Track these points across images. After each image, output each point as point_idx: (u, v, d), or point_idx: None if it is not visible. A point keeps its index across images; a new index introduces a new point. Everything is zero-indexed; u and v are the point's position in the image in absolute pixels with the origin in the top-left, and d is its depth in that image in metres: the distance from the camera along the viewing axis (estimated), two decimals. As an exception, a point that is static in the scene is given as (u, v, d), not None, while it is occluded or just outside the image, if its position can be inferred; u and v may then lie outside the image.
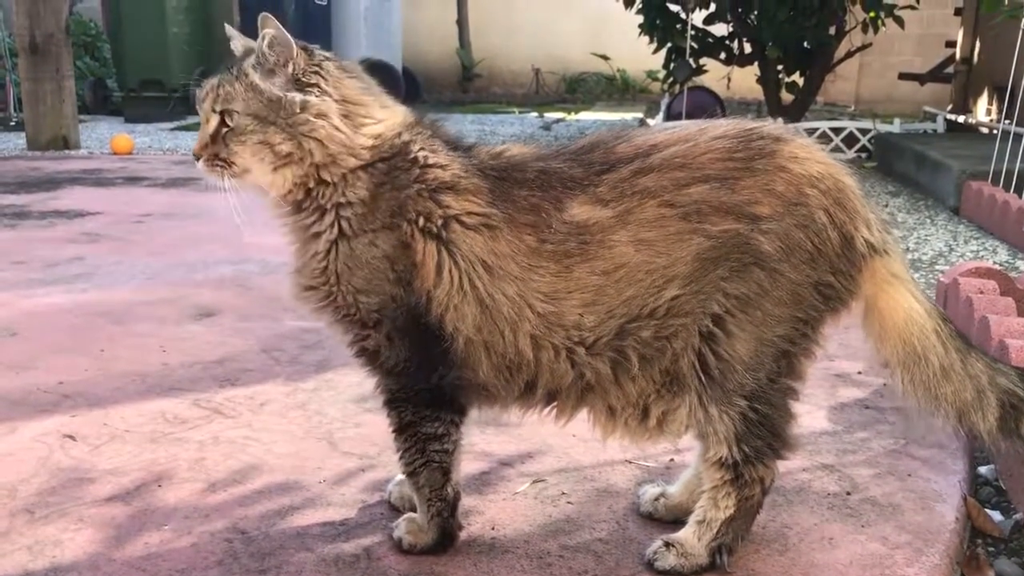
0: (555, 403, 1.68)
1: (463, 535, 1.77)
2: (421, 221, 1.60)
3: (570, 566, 1.71)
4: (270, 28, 1.59)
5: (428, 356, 1.62)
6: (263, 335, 2.97)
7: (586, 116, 13.22)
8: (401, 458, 1.73)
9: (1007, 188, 4.91)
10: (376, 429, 1.76)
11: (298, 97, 1.61)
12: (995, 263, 4.19)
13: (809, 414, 2.37)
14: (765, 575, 1.69)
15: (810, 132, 7.87)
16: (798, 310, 1.59)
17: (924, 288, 3.78)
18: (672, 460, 2.12)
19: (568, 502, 1.94)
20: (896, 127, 7.91)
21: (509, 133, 10.39)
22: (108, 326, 3.06)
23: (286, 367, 2.69)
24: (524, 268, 1.58)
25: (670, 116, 8.60)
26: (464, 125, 11.32)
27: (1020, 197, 4.75)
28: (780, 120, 7.84)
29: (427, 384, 1.65)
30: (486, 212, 1.59)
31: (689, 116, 8.38)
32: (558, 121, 12.16)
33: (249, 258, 3.88)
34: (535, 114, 13.14)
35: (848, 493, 2.00)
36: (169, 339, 2.92)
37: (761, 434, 1.63)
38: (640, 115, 12.01)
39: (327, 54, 1.68)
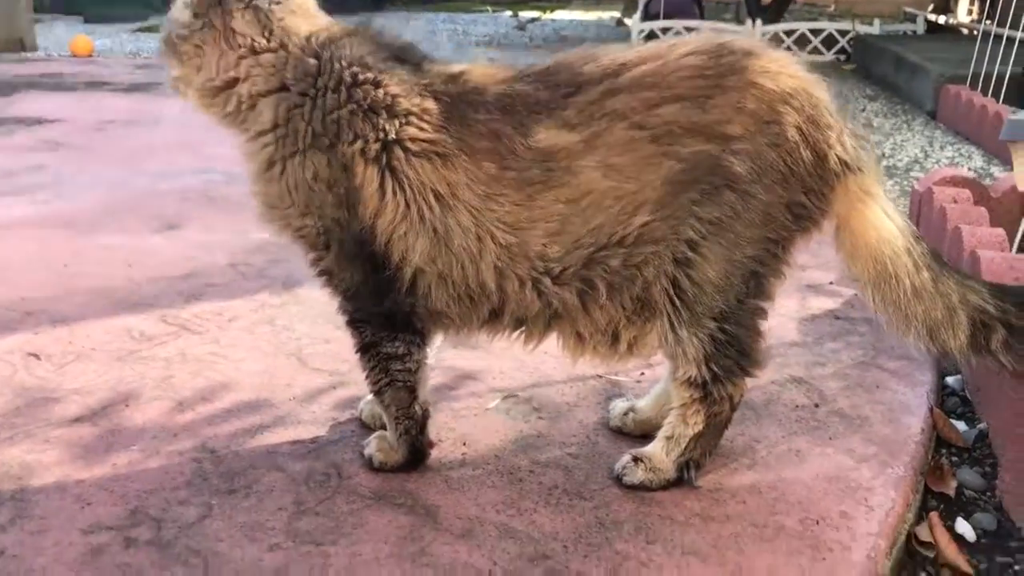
0: (522, 329, 1.66)
1: (434, 452, 1.77)
2: (358, 144, 1.54)
3: (540, 481, 1.71)
4: None
5: (377, 282, 1.59)
6: (229, 248, 2.92)
7: (562, 15, 12.93)
8: (367, 377, 1.71)
9: (985, 92, 4.87)
10: (345, 346, 1.74)
11: (182, 31, 1.63)
12: (970, 169, 4.19)
13: (780, 325, 2.37)
14: (733, 489, 1.70)
15: (788, 33, 7.75)
16: (769, 231, 1.57)
17: (898, 195, 3.78)
18: (643, 374, 2.12)
19: (539, 417, 1.94)
20: (876, 28, 7.79)
21: (482, 33, 10.16)
22: (71, 239, 2.99)
23: (253, 281, 2.66)
24: (482, 197, 1.53)
25: (648, 15, 8.41)
26: (436, 25, 11.05)
27: (998, 102, 4.71)
28: (759, 22, 7.71)
29: (381, 308, 1.62)
30: (433, 138, 1.53)
31: (667, 16, 8.21)
32: (533, 20, 11.90)
33: (213, 168, 3.79)
34: (509, 13, 12.84)
35: (816, 405, 2.01)
36: (134, 253, 2.87)
37: (730, 353, 1.62)
38: (617, 14, 11.76)
39: None
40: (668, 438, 1.70)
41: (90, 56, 7.46)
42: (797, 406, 2.01)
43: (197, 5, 1.61)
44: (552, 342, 1.72)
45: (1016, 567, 1.65)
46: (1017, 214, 2.81)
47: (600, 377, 2.11)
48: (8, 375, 2.08)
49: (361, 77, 1.56)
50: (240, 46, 1.60)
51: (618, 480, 1.70)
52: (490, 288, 1.58)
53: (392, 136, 1.53)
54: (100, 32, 9.27)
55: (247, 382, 2.06)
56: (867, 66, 7.09)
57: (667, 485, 1.69)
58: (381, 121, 1.54)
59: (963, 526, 1.74)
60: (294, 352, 2.21)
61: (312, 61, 1.58)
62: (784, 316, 2.42)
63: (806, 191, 1.56)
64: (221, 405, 1.97)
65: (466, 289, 1.58)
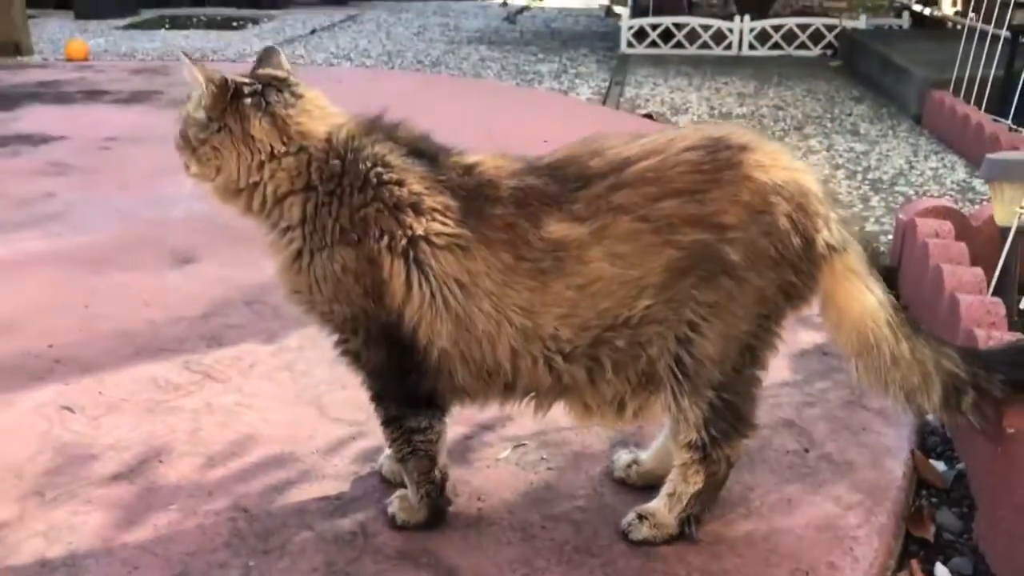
0: (533, 398, 1.79)
1: (451, 508, 1.90)
2: (385, 240, 1.66)
3: (552, 537, 1.85)
4: (186, 74, 1.72)
5: (403, 364, 1.72)
6: (242, 285, 3.03)
7: (551, 3, 12.95)
8: (390, 446, 1.85)
9: (968, 98, 4.99)
10: (361, 393, 1.86)
11: (195, 132, 1.72)
12: (952, 182, 4.33)
13: (772, 364, 2.49)
14: (731, 542, 1.85)
15: (776, 29, 7.84)
16: (762, 309, 1.70)
17: (884, 213, 3.91)
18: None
19: (547, 468, 2.08)
20: (862, 23, 7.89)
21: (473, 28, 10.20)
22: (88, 277, 3.10)
23: (269, 322, 2.78)
24: (500, 285, 1.65)
25: (637, 9, 8.49)
26: (427, 18, 11.09)
27: (980, 109, 4.84)
28: (747, 17, 7.79)
29: (404, 387, 1.75)
30: (456, 232, 1.65)
31: (656, 10, 8.28)
32: (523, 11, 11.94)
33: (222, 193, 3.89)
34: (499, 1, 12.86)
35: (806, 451, 2.15)
36: (151, 291, 2.98)
37: (727, 418, 1.76)
38: (606, 2, 11.80)
39: (252, 89, 1.73)
40: (670, 495, 1.84)
41: (86, 59, 7.51)
42: (788, 451, 2.15)
43: (211, 109, 1.70)
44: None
45: (989, 611, 1.80)
46: (996, 242, 2.95)
47: (603, 423, 2.25)
48: (45, 430, 2.21)
49: (385, 177, 1.68)
50: (260, 151, 1.70)
51: (624, 536, 1.84)
52: (505, 367, 1.71)
53: (419, 232, 1.66)
54: (92, 30, 9.30)
55: (272, 434, 2.19)
56: (854, 63, 7.20)
57: (670, 540, 1.83)
58: (407, 219, 1.66)
59: (941, 570, 1.89)
60: (314, 400, 2.34)
61: (336, 162, 1.70)
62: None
63: (796, 273, 1.70)
64: (250, 459, 2.10)
65: (484, 367, 1.71)
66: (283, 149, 1.71)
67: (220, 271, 3.16)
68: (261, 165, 1.71)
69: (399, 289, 1.67)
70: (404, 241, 1.66)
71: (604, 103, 6.17)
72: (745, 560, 1.79)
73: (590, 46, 8.78)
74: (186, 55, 1.72)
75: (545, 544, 1.83)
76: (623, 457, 2.05)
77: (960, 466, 2.20)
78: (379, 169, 1.69)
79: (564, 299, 1.67)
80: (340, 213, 1.68)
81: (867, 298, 1.76)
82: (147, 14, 10.67)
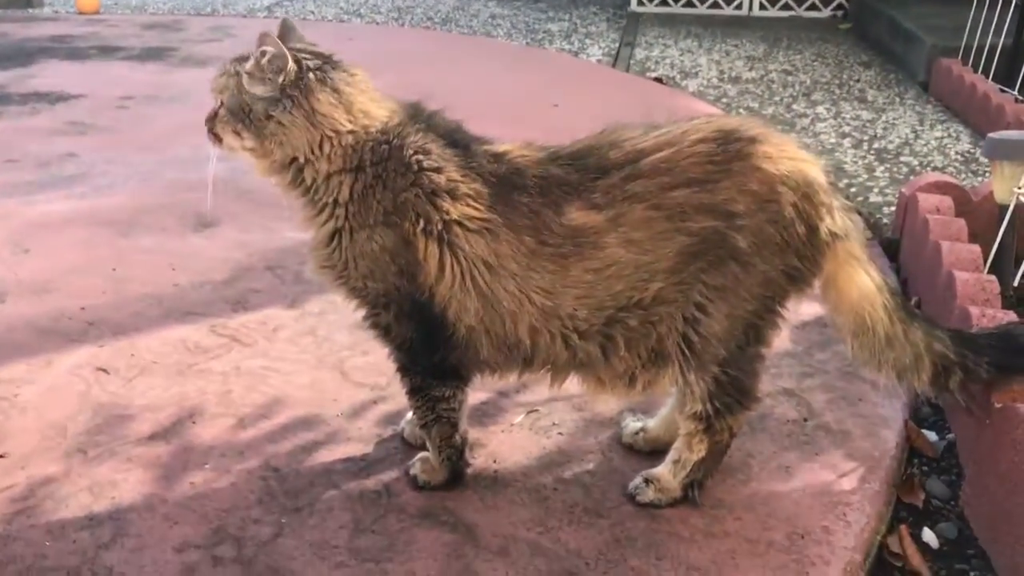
0: (550, 371, 1.91)
1: (469, 470, 2.03)
2: (421, 223, 1.76)
3: (563, 498, 1.98)
4: (270, 47, 1.75)
5: (432, 339, 1.83)
6: (264, 249, 3.14)
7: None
8: (414, 413, 1.96)
9: (976, 67, 5.03)
10: (382, 357, 1.97)
11: (263, 107, 1.77)
12: (957, 153, 4.40)
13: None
14: (731, 505, 1.97)
15: (787, -10, 7.81)
16: (767, 291, 1.81)
17: (888, 183, 3.99)
18: (651, 387, 2.37)
19: (559, 433, 2.20)
20: (873, -16, 7.85)
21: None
22: (115, 239, 3.21)
23: (291, 287, 2.88)
24: (523, 267, 1.76)
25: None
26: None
27: (988, 78, 4.88)
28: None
29: (431, 359, 1.86)
30: (486, 217, 1.76)
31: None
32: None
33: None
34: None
35: (805, 419, 2.27)
36: (176, 255, 3.09)
37: (731, 392, 1.87)
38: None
39: (315, 64, 1.80)
40: (675, 462, 1.96)
41: (97, 12, 7.53)
42: (788, 420, 2.27)
43: (279, 83, 1.76)
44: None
45: (971, 573, 1.93)
46: (996, 218, 3.04)
47: (612, 390, 2.36)
48: (83, 390, 2.33)
49: (426, 164, 1.78)
50: (324, 126, 1.78)
51: (631, 498, 1.97)
52: (526, 343, 1.82)
53: (454, 216, 1.76)
54: (102, -19, 9.28)
55: (298, 397, 2.31)
56: (864, 26, 7.21)
57: (674, 503, 1.96)
58: (444, 204, 1.76)
59: (928, 535, 2.01)
60: (336, 365, 2.46)
61: (385, 147, 1.79)
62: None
63: (800, 258, 1.80)
64: (278, 421, 2.22)
65: (506, 342, 1.82)
66: (348, 128, 1.79)
67: (241, 236, 3.26)
68: (322, 142, 1.79)
69: (432, 269, 1.77)
70: (440, 225, 1.76)
71: (614, 65, 6.21)
72: (744, 523, 1.92)
73: (600, 3, 8.77)
74: (266, 34, 1.77)
75: (557, 505, 1.96)
76: (631, 424, 2.17)
77: (950, 436, 2.32)
78: (420, 156, 1.79)
79: (582, 282, 1.77)
80: (384, 195, 1.78)
81: (865, 283, 1.86)
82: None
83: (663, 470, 1.98)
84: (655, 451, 2.08)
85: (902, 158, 4.36)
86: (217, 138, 1.84)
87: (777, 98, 5.43)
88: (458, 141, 1.84)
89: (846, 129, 4.81)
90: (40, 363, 2.44)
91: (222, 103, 1.82)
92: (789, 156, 1.79)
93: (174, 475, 2.03)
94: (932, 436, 2.32)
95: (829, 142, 4.61)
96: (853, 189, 3.96)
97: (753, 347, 1.88)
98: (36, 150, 4.13)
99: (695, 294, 1.78)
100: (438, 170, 1.78)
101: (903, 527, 2.01)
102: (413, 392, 1.93)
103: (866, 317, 1.87)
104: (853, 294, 1.87)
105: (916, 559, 1.93)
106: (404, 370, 1.92)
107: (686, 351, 1.82)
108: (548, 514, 1.93)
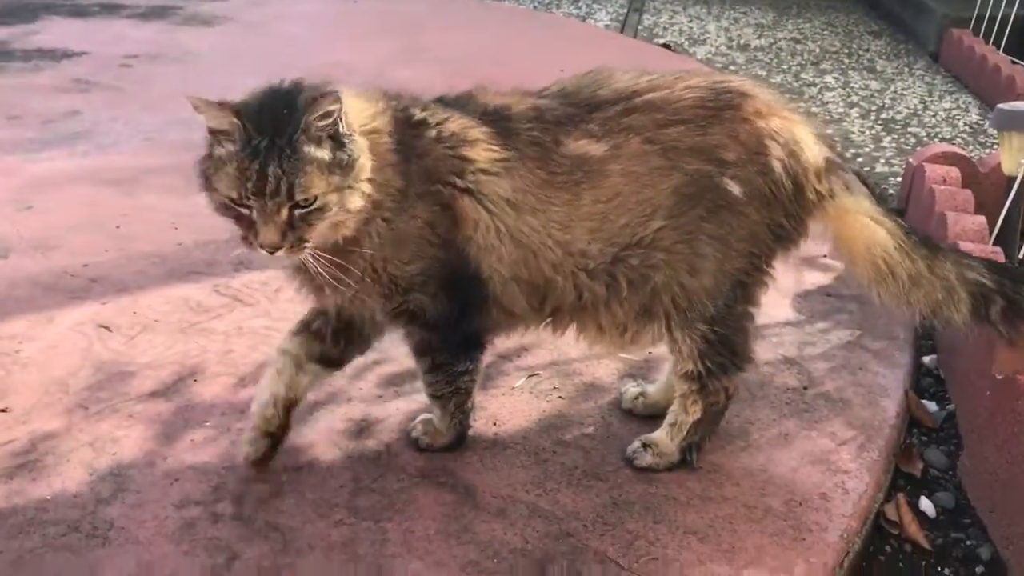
0: (553, 319, 1.90)
1: (469, 432, 2.03)
2: (454, 180, 1.74)
3: (562, 461, 1.99)
4: (330, 103, 1.59)
5: (464, 306, 1.82)
6: (268, 210, 3.12)
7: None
8: (430, 387, 1.95)
9: (988, 38, 4.98)
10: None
11: (348, 154, 1.63)
12: (965, 124, 4.37)
13: (775, 303, 2.61)
14: (729, 471, 1.98)
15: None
16: (754, 247, 1.82)
17: (895, 154, 3.96)
18: (650, 353, 2.37)
19: (559, 397, 2.21)
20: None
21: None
22: (118, 198, 3.20)
23: (294, 248, 2.87)
24: (541, 200, 1.76)
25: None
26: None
27: (999, 50, 4.83)
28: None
29: (462, 332, 1.86)
30: (504, 156, 1.75)
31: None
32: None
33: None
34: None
35: (805, 388, 2.27)
36: (179, 214, 3.08)
37: (722, 352, 1.89)
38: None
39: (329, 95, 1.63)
40: (671, 425, 1.97)
41: (101, -30, 7.45)
42: (788, 388, 2.27)
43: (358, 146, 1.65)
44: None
45: (967, 542, 1.94)
46: (1003, 189, 3.02)
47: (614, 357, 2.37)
48: (85, 347, 2.33)
49: (433, 119, 1.77)
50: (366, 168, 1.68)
51: (629, 462, 1.97)
52: (543, 281, 1.81)
53: (479, 163, 1.75)
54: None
55: (299, 357, 2.31)
56: (876, -6, 7.12)
57: (672, 467, 1.96)
58: (466, 151, 1.75)
59: (926, 504, 2.02)
60: (338, 326, 2.46)
61: (395, 123, 1.75)
62: (780, 294, 2.66)
63: (786, 215, 1.82)
64: (278, 381, 2.22)
65: (531, 286, 1.82)
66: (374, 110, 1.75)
67: (244, 195, 3.24)
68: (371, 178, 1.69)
69: (469, 224, 1.75)
70: (469, 176, 1.74)
71: (622, 31, 6.15)
72: (742, 488, 1.92)
73: (609, -32, 8.66)
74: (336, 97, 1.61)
75: (556, 467, 1.96)
76: (631, 390, 2.17)
77: (950, 407, 2.32)
78: (425, 114, 1.78)
79: (593, 213, 1.77)
80: (415, 168, 1.73)
81: (871, 232, 1.86)
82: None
83: (660, 434, 1.98)
84: (654, 416, 2.08)
85: (910, 129, 4.33)
86: (305, 241, 1.63)
87: (785, 66, 5.38)
88: (448, 102, 1.84)
89: (854, 99, 4.77)
90: (42, 319, 2.44)
91: (303, 203, 1.61)
92: (778, 114, 1.80)
93: (175, 432, 2.04)
94: (932, 406, 2.33)
95: (837, 111, 4.58)
96: (860, 159, 3.94)
97: (741, 305, 1.88)
98: (39, 107, 4.11)
99: (690, 242, 1.78)
100: (447, 119, 1.77)
101: (901, 496, 2.02)
102: (435, 369, 1.91)
103: (881, 264, 1.86)
104: (859, 246, 1.86)
105: (913, 527, 1.94)
106: (428, 349, 1.89)
107: (672, 305, 1.83)
108: (547, 476, 1.94)
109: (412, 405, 2.14)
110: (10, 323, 2.41)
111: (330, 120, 1.60)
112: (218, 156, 1.63)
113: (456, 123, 1.78)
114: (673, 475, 1.95)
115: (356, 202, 1.65)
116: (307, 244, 1.63)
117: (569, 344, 2.36)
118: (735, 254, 1.81)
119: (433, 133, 1.76)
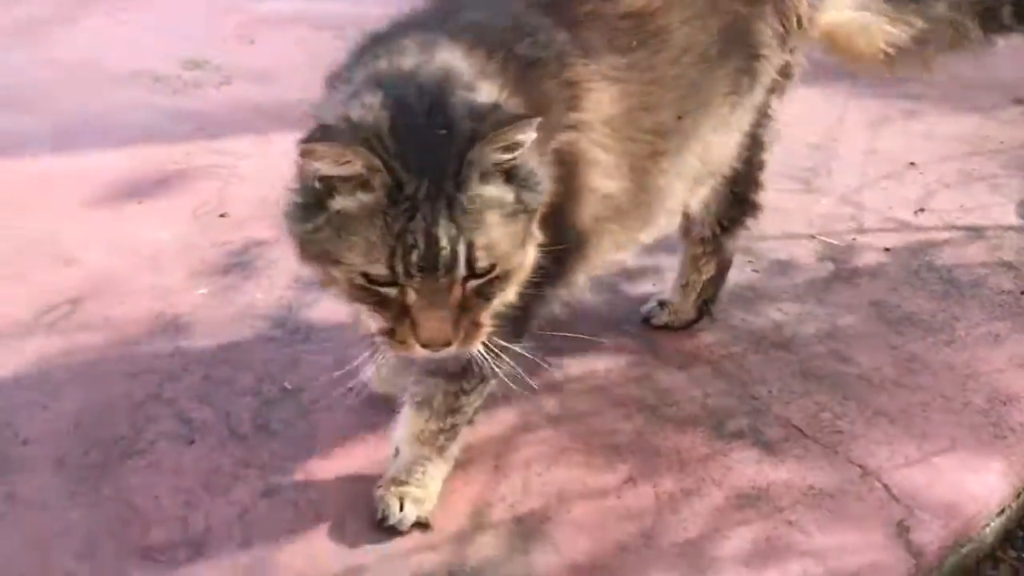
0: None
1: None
2: (559, 120, 1.35)
3: (751, 329, 1.95)
4: (520, 131, 1.14)
5: (568, 267, 1.44)
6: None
7: None
8: (460, 415, 1.47)
9: None
10: None
11: (534, 192, 1.20)
12: None
13: (1000, 206, 2.44)
14: (928, 361, 1.88)
15: None
16: (768, 91, 1.72)
17: None
18: (855, 239, 2.27)
19: (753, 270, 2.15)
20: None
21: None
22: (332, 40, 3.28)
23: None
24: (631, 82, 1.46)
25: None
26: None
27: None
28: None
29: (536, 320, 1.46)
30: (586, 72, 1.40)
31: None
32: None
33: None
34: None
35: (1022, 292, 2.12)
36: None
37: (734, 204, 1.82)
38: None
39: None
40: (684, 286, 1.93)
41: None
42: (1002, 290, 2.12)
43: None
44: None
45: None
46: None
47: (812, 238, 2.28)
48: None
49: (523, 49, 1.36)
50: None
51: (646, 321, 1.95)
52: (651, 185, 1.56)
53: (580, 75, 1.41)
54: None
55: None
56: None
57: (688, 324, 1.93)
58: (566, 71, 1.39)
59: None
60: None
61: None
62: (1005, 198, 2.49)
63: (791, 51, 1.72)
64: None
65: (640, 191, 1.53)
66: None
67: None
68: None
69: (584, 161, 1.40)
70: (574, 112, 1.38)
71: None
72: (940, 380, 1.83)
73: None
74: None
75: (743, 334, 1.93)
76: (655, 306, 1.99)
77: None
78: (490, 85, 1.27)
79: (668, 78, 1.52)
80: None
81: (858, 23, 1.79)
82: None
83: (674, 295, 1.95)
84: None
85: None
86: (481, 325, 1.19)
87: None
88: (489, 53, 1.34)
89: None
90: (260, 141, 2.57)
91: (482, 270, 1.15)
92: None
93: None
94: None
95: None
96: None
97: (757, 156, 1.80)
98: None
99: (729, 98, 1.63)
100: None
101: (1117, 412, 1.86)
102: (473, 393, 1.46)
103: (871, 44, 1.80)
104: (859, 43, 1.80)
105: None
106: (486, 376, 1.41)
107: (701, 165, 1.65)
108: (734, 341, 1.91)
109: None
110: (231, 140, 2.56)
111: (515, 154, 1.14)
112: (342, 211, 1.13)
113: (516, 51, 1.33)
114: (867, 358, 1.88)
115: (532, 255, 1.21)
116: (483, 330, 1.18)
117: (768, 221, 2.29)
118: (753, 109, 1.72)
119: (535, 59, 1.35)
